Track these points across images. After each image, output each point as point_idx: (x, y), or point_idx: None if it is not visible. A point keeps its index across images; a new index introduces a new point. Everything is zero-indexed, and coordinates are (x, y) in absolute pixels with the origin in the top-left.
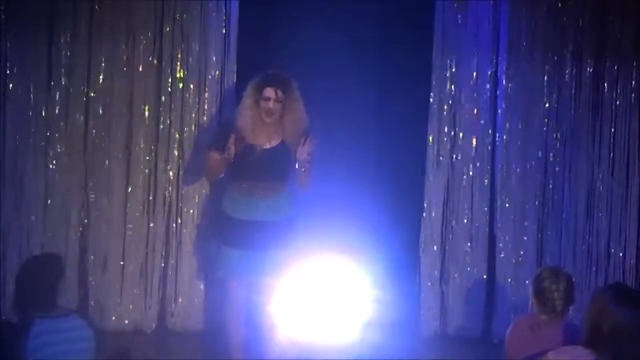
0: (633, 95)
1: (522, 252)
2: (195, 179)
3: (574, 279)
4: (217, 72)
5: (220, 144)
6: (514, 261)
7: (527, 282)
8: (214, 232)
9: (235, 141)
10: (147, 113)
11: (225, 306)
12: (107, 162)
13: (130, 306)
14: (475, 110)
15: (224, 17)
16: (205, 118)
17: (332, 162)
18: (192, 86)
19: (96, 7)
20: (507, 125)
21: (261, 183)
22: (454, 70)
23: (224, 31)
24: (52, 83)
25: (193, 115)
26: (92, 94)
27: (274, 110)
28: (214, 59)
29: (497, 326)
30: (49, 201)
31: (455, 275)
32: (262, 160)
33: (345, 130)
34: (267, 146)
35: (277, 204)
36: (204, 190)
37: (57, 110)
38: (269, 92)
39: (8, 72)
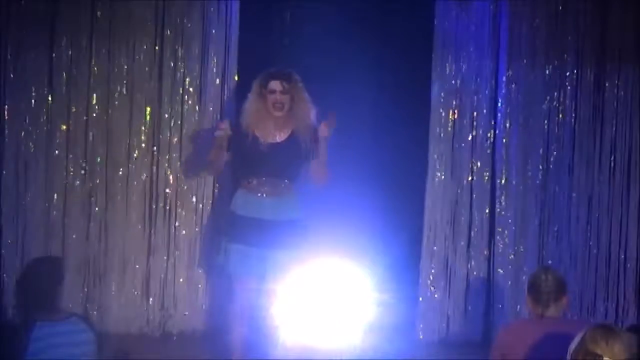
0: (634, 98)
1: (522, 256)
2: (194, 180)
3: (563, 277)
4: (218, 76)
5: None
6: (514, 264)
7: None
8: (222, 231)
9: (229, 129)
10: (147, 116)
11: (230, 305)
12: (107, 166)
13: (132, 309)
14: (475, 112)
15: (225, 20)
16: (206, 122)
17: (332, 164)
18: (192, 90)
19: (97, 10)
20: (508, 127)
21: (269, 180)
22: (454, 71)
23: (224, 34)
24: (53, 87)
25: (194, 118)
26: (93, 98)
27: (282, 102)
28: (215, 62)
29: (496, 330)
30: (50, 205)
31: (455, 278)
32: (269, 156)
33: (345, 131)
34: (274, 141)
35: (285, 204)
36: (205, 194)
37: (58, 114)
38: (275, 84)
39: (10, 75)
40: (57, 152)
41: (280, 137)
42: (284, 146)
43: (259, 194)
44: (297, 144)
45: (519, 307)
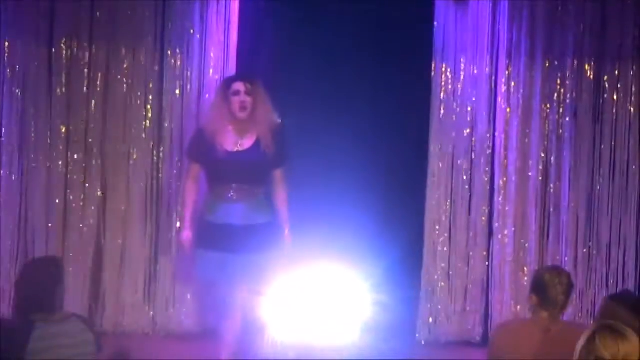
0: (633, 98)
1: (522, 256)
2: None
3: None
4: (216, 75)
5: (195, 151)
6: (513, 265)
7: (526, 286)
8: (196, 240)
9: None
10: (148, 116)
11: (214, 309)
12: (107, 165)
13: (131, 309)
14: (475, 112)
15: (224, 20)
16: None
17: (332, 165)
18: (192, 89)
19: (97, 10)
20: (507, 127)
21: (238, 186)
22: (453, 71)
23: (223, 34)
24: (53, 85)
25: (193, 118)
26: (92, 97)
27: (246, 104)
28: (214, 62)
29: None
30: (50, 204)
31: (455, 278)
32: (235, 163)
33: (344, 132)
34: (241, 147)
35: (256, 208)
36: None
37: (57, 113)
38: (238, 85)
39: (8, 74)
40: (57, 152)
41: (246, 143)
42: (251, 152)
43: (230, 201)
44: (263, 149)
45: (518, 307)
